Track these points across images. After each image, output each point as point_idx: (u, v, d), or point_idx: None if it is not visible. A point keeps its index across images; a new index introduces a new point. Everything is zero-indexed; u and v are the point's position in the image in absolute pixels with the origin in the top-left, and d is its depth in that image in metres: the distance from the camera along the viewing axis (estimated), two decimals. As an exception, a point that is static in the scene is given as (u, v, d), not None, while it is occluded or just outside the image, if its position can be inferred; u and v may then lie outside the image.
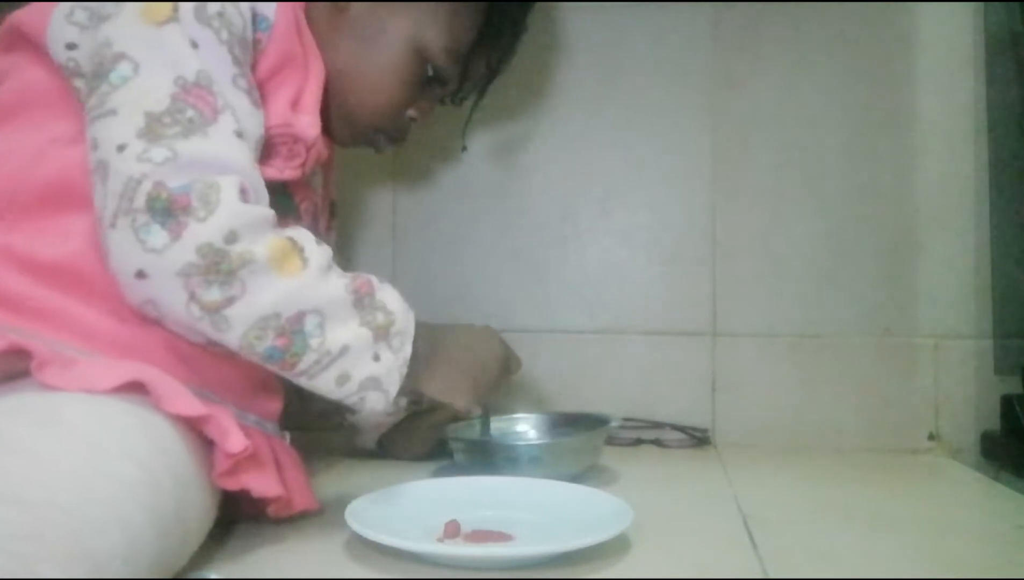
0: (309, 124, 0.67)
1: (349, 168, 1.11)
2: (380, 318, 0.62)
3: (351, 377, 0.60)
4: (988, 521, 0.75)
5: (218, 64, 0.59)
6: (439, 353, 0.70)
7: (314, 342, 0.58)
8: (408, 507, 0.66)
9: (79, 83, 0.61)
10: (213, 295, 0.55)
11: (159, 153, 0.54)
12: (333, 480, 0.84)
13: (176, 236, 0.53)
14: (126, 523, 0.47)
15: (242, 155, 0.58)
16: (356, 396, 0.61)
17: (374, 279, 0.64)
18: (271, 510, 0.63)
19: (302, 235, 0.60)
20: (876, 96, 1.04)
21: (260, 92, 0.64)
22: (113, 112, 0.55)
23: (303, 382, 0.61)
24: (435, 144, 1.11)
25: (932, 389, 1.02)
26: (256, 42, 0.64)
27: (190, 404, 0.56)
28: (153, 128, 0.55)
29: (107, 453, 0.49)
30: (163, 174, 0.53)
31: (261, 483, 0.60)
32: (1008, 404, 0.95)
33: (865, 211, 1.04)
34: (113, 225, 0.54)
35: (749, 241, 1.06)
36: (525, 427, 0.94)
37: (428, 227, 1.12)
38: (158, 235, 0.53)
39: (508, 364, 0.80)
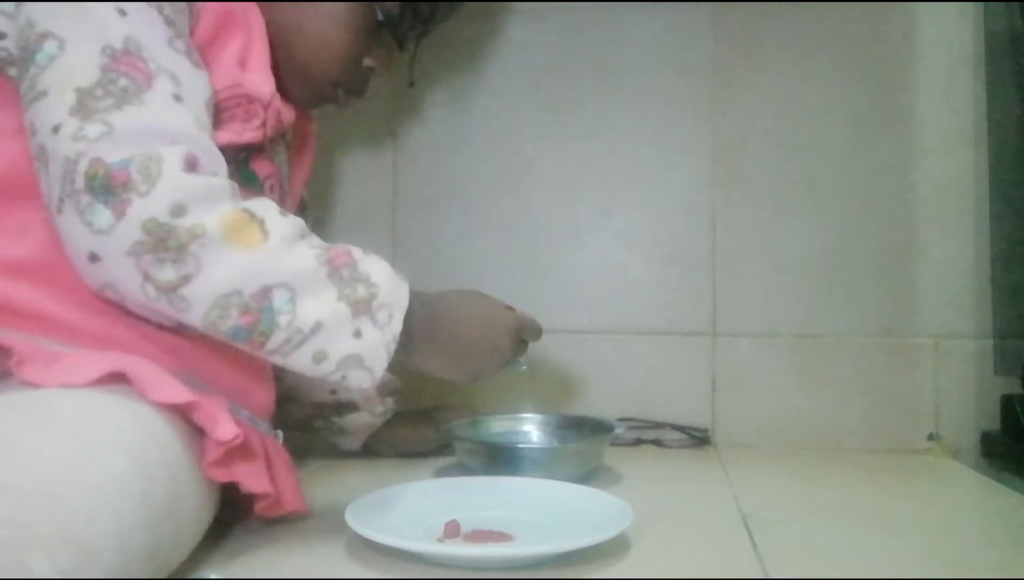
0: (261, 81, 0.65)
1: (349, 169, 1.12)
2: (361, 291, 0.57)
3: (328, 355, 0.57)
4: (988, 521, 0.75)
5: (150, 28, 0.57)
6: (436, 326, 0.65)
7: (283, 319, 0.55)
8: (408, 507, 0.66)
9: (13, 72, 0.58)
10: (167, 274, 0.53)
11: (94, 129, 0.52)
12: (332, 480, 0.84)
13: (120, 214, 0.51)
14: (118, 514, 0.46)
15: (183, 120, 0.56)
16: (336, 374, 0.58)
17: (356, 250, 0.60)
18: (258, 508, 0.62)
19: (263, 206, 0.57)
20: (876, 96, 1.04)
21: (203, 56, 0.62)
22: (44, 94, 0.54)
23: (278, 361, 0.58)
24: (434, 146, 1.11)
25: (932, 389, 1.02)
26: (191, 5, 0.62)
27: (176, 391, 0.55)
28: (85, 103, 0.52)
29: (99, 445, 0.49)
30: (100, 149, 0.51)
31: (251, 477, 0.59)
32: (1008, 404, 0.95)
33: (865, 211, 1.04)
34: (60, 210, 0.52)
35: (749, 241, 1.06)
36: (529, 427, 0.95)
37: (428, 227, 1.11)
38: (103, 215, 0.51)
39: (521, 330, 0.72)
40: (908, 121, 1.03)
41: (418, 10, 0.77)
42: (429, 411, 0.95)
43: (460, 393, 0.96)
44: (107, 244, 0.52)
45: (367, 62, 0.76)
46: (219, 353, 0.59)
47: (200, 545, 0.58)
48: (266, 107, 0.65)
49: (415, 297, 0.61)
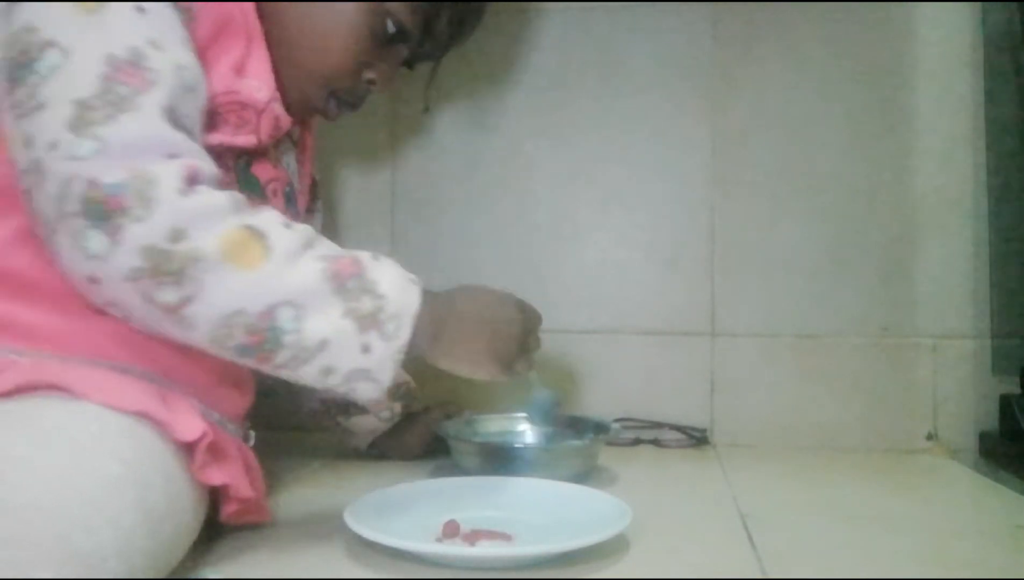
0: (256, 88, 0.64)
1: (348, 170, 1.12)
2: (367, 304, 0.56)
3: (335, 370, 0.57)
4: (987, 521, 0.75)
5: (168, 29, 0.56)
6: (451, 325, 0.63)
7: (288, 339, 0.54)
8: (407, 507, 0.67)
9: None
10: (168, 296, 0.52)
11: (87, 146, 0.50)
12: (331, 480, 0.84)
13: (116, 240, 0.50)
14: (116, 521, 0.46)
15: (177, 130, 0.54)
16: (344, 387, 0.58)
17: (364, 257, 0.59)
18: (226, 514, 0.61)
19: (266, 219, 0.55)
20: (876, 96, 1.04)
21: (201, 59, 0.60)
22: (43, 106, 0.51)
23: (285, 375, 0.58)
24: (433, 145, 1.11)
25: (930, 389, 1.02)
26: (187, 9, 0.60)
27: (122, 398, 0.54)
28: (83, 116, 0.51)
29: (91, 453, 0.49)
30: (95, 170, 0.50)
31: (235, 481, 0.59)
32: (1006, 404, 0.95)
33: (864, 211, 1.04)
34: (55, 231, 0.51)
35: (748, 241, 1.06)
36: (524, 427, 0.94)
37: (427, 227, 1.11)
38: (97, 240, 0.50)
39: (529, 322, 0.71)
40: (907, 121, 1.03)
41: (435, 30, 0.74)
42: (419, 413, 0.94)
43: (452, 393, 0.96)
44: (104, 269, 0.51)
45: (368, 75, 0.73)
46: (193, 356, 0.58)
47: (199, 545, 0.58)
48: (259, 113, 0.64)
49: (424, 296, 0.60)
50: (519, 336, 0.68)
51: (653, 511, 0.69)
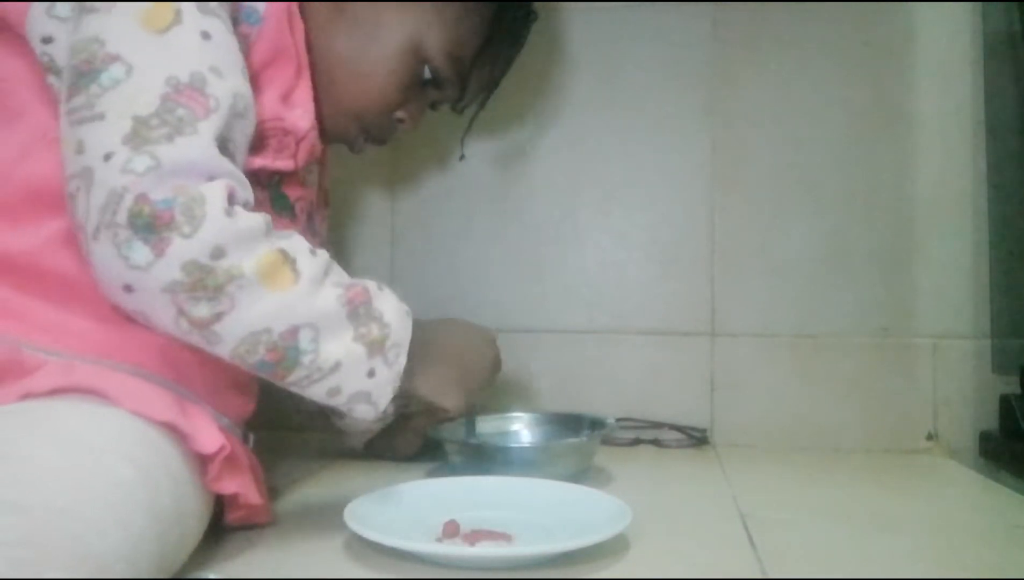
0: (300, 116, 0.66)
1: (347, 170, 1.12)
2: (375, 331, 0.60)
3: (342, 390, 0.60)
4: (987, 521, 0.75)
5: (230, 53, 0.58)
6: (431, 353, 0.69)
7: (306, 359, 0.57)
8: (407, 507, 0.67)
9: (52, 79, 0.58)
10: (201, 311, 0.53)
11: (142, 162, 0.51)
12: (330, 480, 0.84)
13: (160, 253, 0.51)
14: (126, 524, 0.47)
15: (224, 155, 0.56)
16: (345, 406, 0.62)
17: (371, 286, 0.62)
18: (231, 518, 0.62)
19: (295, 245, 0.58)
20: (875, 96, 1.04)
21: (253, 83, 0.62)
22: (101, 116, 0.52)
23: (294, 390, 0.60)
24: (433, 146, 1.11)
25: (931, 389, 1.02)
26: (245, 36, 0.62)
27: (151, 406, 0.55)
28: (140, 132, 0.52)
29: (103, 455, 0.49)
30: (146, 185, 0.51)
31: (245, 489, 0.60)
32: (1006, 404, 0.95)
33: (864, 211, 1.04)
34: (96, 238, 0.51)
35: (748, 241, 1.06)
36: (520, 426, 0.94)
37: (427, 228, 1.11)
38: (141, 252, 0.51)
39: (497, 366, 0.80)
40: (907, 121, 1.03)
41: (469, 81, 0.79)
42: (413, 415, 0.94)
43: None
44: (143, 279, 0.52)
45: (398, 114, 0.78)
46: (213, 362, 0.59)
47: (199, 545, 0.58)
48: (299, 141, 0.67)
49: (413, 325, 0.65)
50: (487, 372, 0.76)
51: (653, 511, 0.69)
